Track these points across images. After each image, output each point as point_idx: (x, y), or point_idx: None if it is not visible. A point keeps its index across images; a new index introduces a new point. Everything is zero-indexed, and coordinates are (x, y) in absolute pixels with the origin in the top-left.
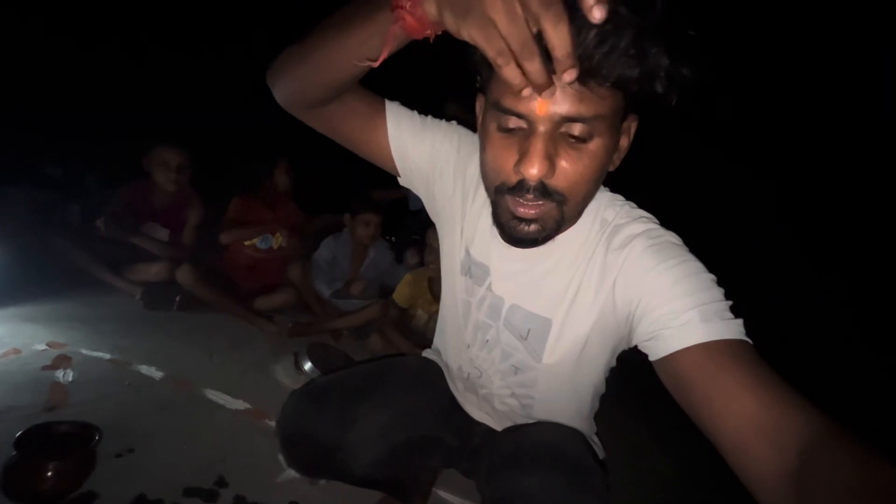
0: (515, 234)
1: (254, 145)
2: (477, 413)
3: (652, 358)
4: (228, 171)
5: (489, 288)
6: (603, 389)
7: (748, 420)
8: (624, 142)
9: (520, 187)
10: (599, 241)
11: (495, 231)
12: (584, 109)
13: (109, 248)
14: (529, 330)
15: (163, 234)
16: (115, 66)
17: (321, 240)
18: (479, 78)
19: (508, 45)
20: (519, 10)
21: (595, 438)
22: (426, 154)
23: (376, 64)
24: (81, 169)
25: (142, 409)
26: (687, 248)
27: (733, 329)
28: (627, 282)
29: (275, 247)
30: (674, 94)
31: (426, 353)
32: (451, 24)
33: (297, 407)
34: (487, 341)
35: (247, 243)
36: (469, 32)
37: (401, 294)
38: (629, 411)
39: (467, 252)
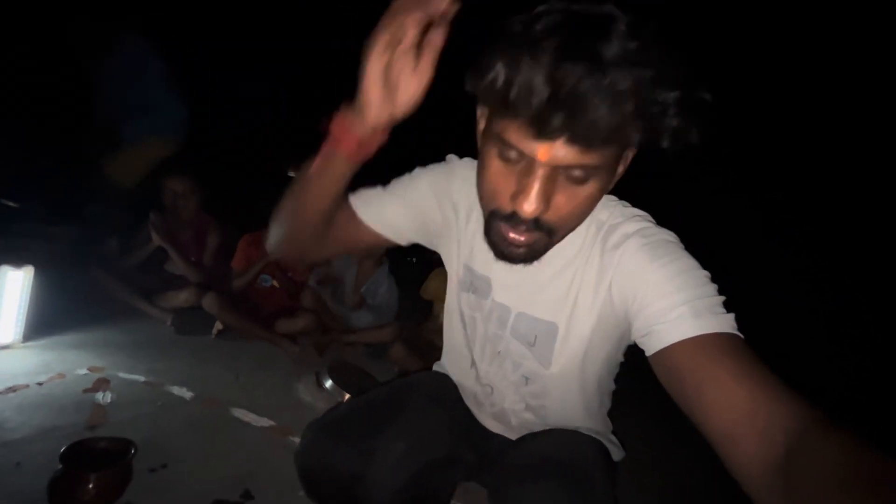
0: (505, 254)
1: (271, 178)
2: (493, 424)
3: (647, 353)
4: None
5: (494, 299)
6: (613, 386)
7: (737, 411)
8: (620, 169)
9: (513, 218)
10: (595, 242)
11: None
12: (586, 160)
13: (142, 278)
14: (536, 336)
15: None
16: None
17: None
18: (479, 105)
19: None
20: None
21: (612, 437)
22: (406, 215)
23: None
24: (117, 206)
25: (174, 427)
26: (681, 246)
27: (724, 323)
28: (623, 280)
29: (276, 285)
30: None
31: (437, 367)
32: (370, 115)
33: (315, 440)
34: (499, 353)
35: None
36: (384, 93)
37: (427, 287)
38: (652, 412)
39: (468, 268)
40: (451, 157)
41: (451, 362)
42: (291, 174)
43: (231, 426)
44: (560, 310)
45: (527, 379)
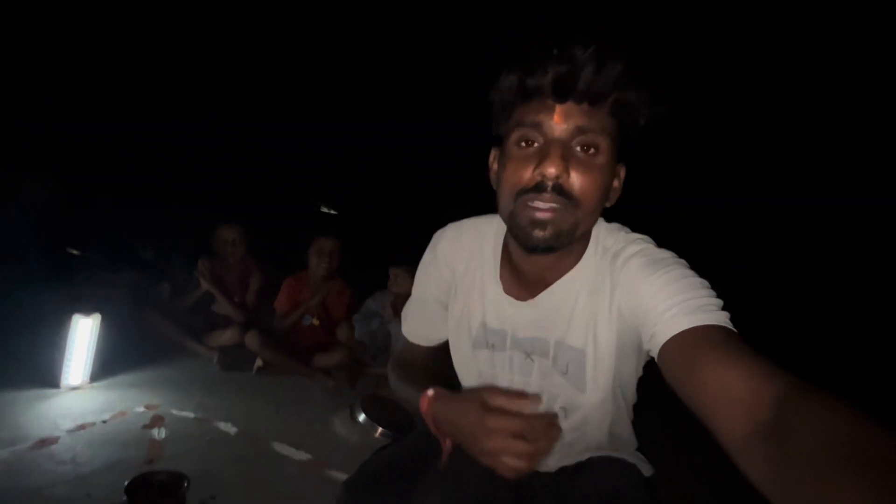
0: (532, 240)
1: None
2: None
3: (654, 357)
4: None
5: (512, 348)
6: (635, 399)
7: (724, 388)
8: (616, 183)
9: (538, 188)
10: (605, 267)
11: (506, 297)
12: (591, 123)
13: (191, 319)
14: (568, 364)
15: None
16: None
17: None
18: (496, 122)
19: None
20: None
21: (639, 455)
22: (432, 313)
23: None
24: (168, 250)
25: (221, 461)
26: (679, 260)
27: (716, 318)
28: (628, 296)
29: (315, 324)
30: (651, 131)
31: None
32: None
33: (351, 501)
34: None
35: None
36: (482, 459)
37: None
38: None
39: (482, 325)
40: (435, 235)
41: None
42: (324, 209)
43: (272, 459)
44: (585, 336)
45: (566, 411)
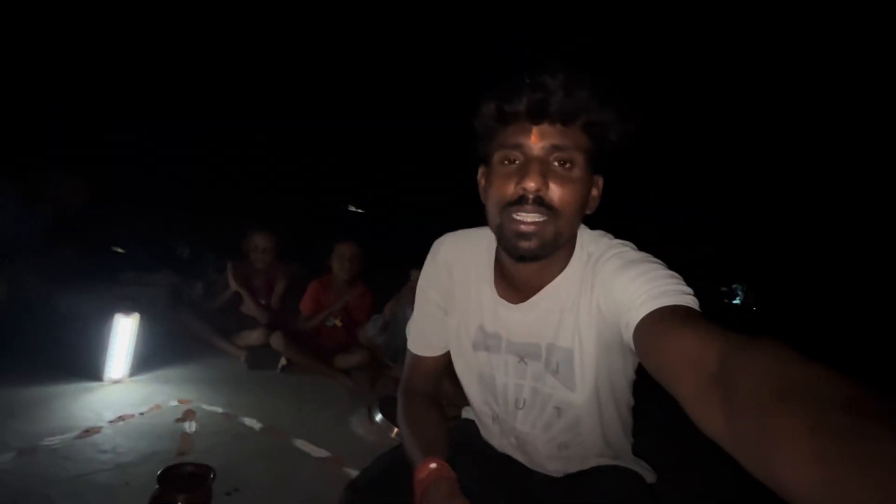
0: (518, 250)
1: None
2: (529, 463)
3: (631, 345)
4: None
5: (507, 351)
6: (632, 402)
7: (679, 351)
8: (595, 192)
9: (521, 200)
10: (587, 270)
11: (500, 300)
12: (565, 141)
13: (221, 319)
14: (558, 363)
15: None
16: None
17: None
18: (481, 144)
19: None
20: None
21: (642, 461)
22: (436, 322)
23: None
24: (203, 247)
25: (245, 455)
26: (654, 259)
27: (680, 299)
28: (605, 294)
29: (338, 325)
30: (622, 144)
31: (465, 412)
32: None
33: (352, 503)
34: (525, 400)
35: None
36: None
37: None
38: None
39: (480, 328)
40: (434, 243)
41: (477, 419)
42: (350, 209)
43: (293, 455)
44: (572, 336)
45: (559, 410)
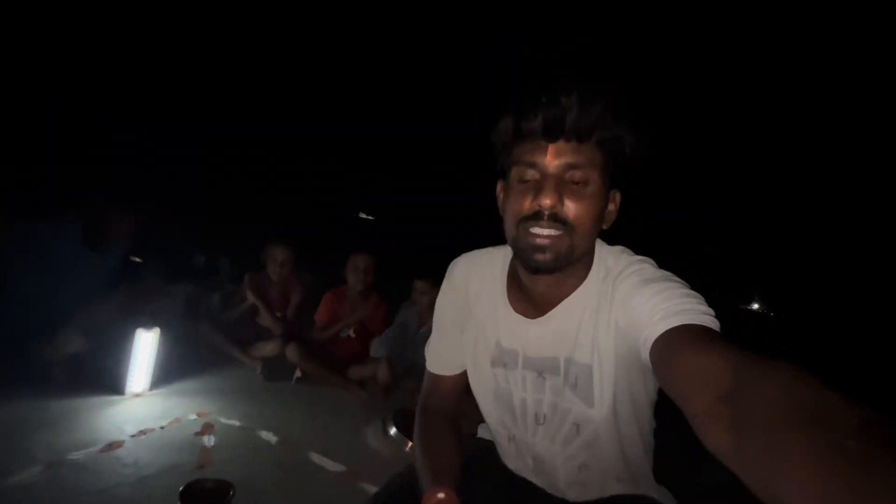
0: (534, 262)
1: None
2: (547, 486)
3: (649, 364)
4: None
5: (524, 367)
6: (654, 423)
7: (692, 369)
8: (611, 207)
9: (537, 216)
10: (606, 286)
11: (517, 316)
12: (580, 159)
13: (238, 330)
14: (577, 378)
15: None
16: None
17: None
18: (499, 161)
19: None
20: None
21: (663, 488)
22: (455, 339)
23: None
24: (218, 257)
25: (262, 468)
26: (673, 277)
27: (699, 318)
28: (624, 311)
29: (352, 336)
30: (637, 159)
31: (481, 430)
32: None
33: None
34: (545, 416)
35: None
36: None
37: None
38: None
39: (497, 345)
40: (450, 265)
41: (493, 439)
42: (361, 216)
43: (309, 469)
44: (591, 352)
45: (578, 427)
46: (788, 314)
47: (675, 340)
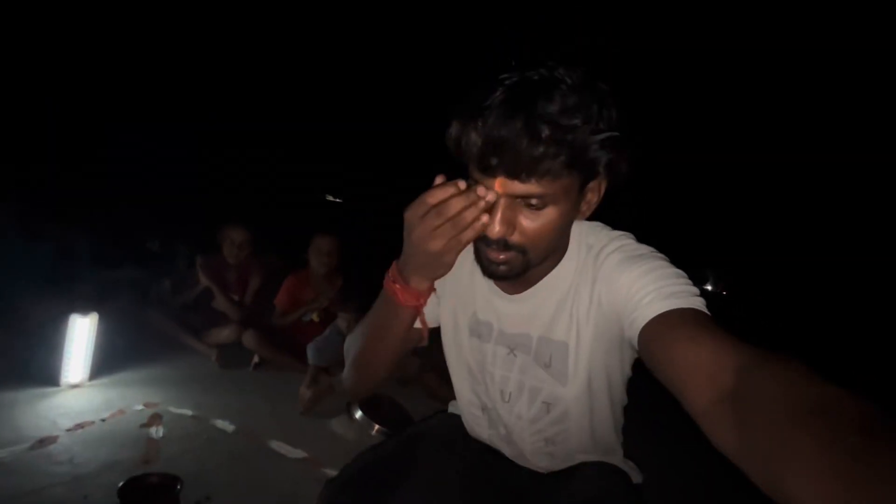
0: (490, 272)
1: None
2: (516, 456)
3: (634, 345)
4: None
5: (497, 342)
6: (625, 400)
7: (692, 362)
8: (592, 197)
9: (487, 239)
10: (587, 264)
11: (496, 289)
12: (534, 190)
13: (191, 317)
14: (551, 355)
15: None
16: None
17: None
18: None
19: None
20: (439, 232)
21: (629, 462)
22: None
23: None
24: (174, 242)
25: (218, 460)
26: (658, 254)
27: (690, 302)
28: (607, 288)
29: (315, 320)
30: (616, 168)
31: (452, 406)
32: (427, 277)
33: (333, 500)
34: (510, 394)
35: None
36: (444, 265)
37: None
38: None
39: (474, 315)
40: None
41: (462, 410)
42: (329, 198)
43: (269, 458)
44: (568, 329)
45: (549, 406)
46: (739, 294)
47: (670, 328)
